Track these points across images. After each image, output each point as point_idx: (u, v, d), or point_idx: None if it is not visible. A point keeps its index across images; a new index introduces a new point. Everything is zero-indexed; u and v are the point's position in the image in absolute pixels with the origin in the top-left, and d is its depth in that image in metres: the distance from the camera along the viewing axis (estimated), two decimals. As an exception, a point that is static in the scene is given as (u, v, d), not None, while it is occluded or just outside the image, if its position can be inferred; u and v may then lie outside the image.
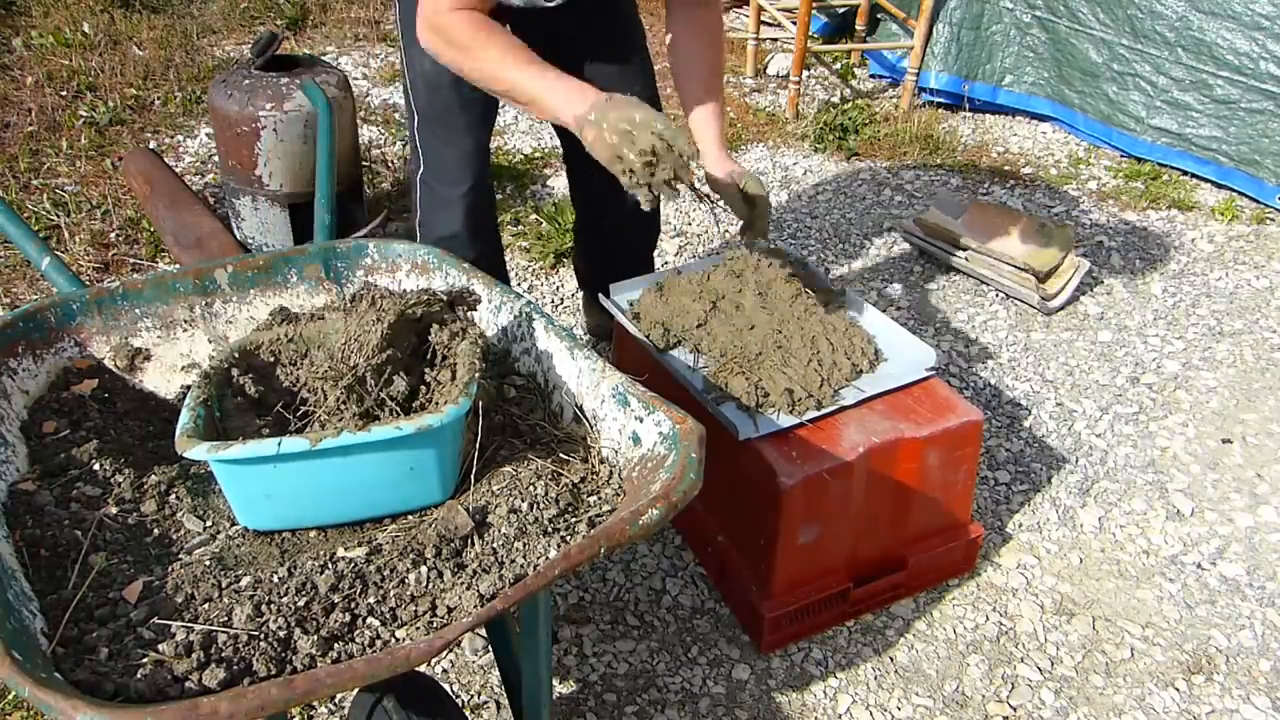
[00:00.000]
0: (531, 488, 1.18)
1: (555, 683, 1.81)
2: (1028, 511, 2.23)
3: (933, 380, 1.90)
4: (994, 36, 3.99)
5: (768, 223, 1.98)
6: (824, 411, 1.79)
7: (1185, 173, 3.61)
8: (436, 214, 2.10)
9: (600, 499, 1.20)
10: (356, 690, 1.30)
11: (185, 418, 1.13)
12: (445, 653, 1.44)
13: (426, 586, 1.06)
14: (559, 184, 3.56)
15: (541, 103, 1.59)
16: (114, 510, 1.17)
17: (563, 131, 2.28)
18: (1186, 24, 3.44)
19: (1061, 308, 2.91)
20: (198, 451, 1.08)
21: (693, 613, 1.97)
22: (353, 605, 1.04)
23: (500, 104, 2.00)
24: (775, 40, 4.76)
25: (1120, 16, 3.60)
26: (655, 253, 2.61)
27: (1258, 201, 3.42)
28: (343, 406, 1.16)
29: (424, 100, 2.02)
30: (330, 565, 1.07)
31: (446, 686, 1.78)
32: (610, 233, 2.42)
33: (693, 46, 1.92)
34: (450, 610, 1.04)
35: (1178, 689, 1.83)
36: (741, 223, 2.02)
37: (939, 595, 2.01)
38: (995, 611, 1.98)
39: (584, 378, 1.30)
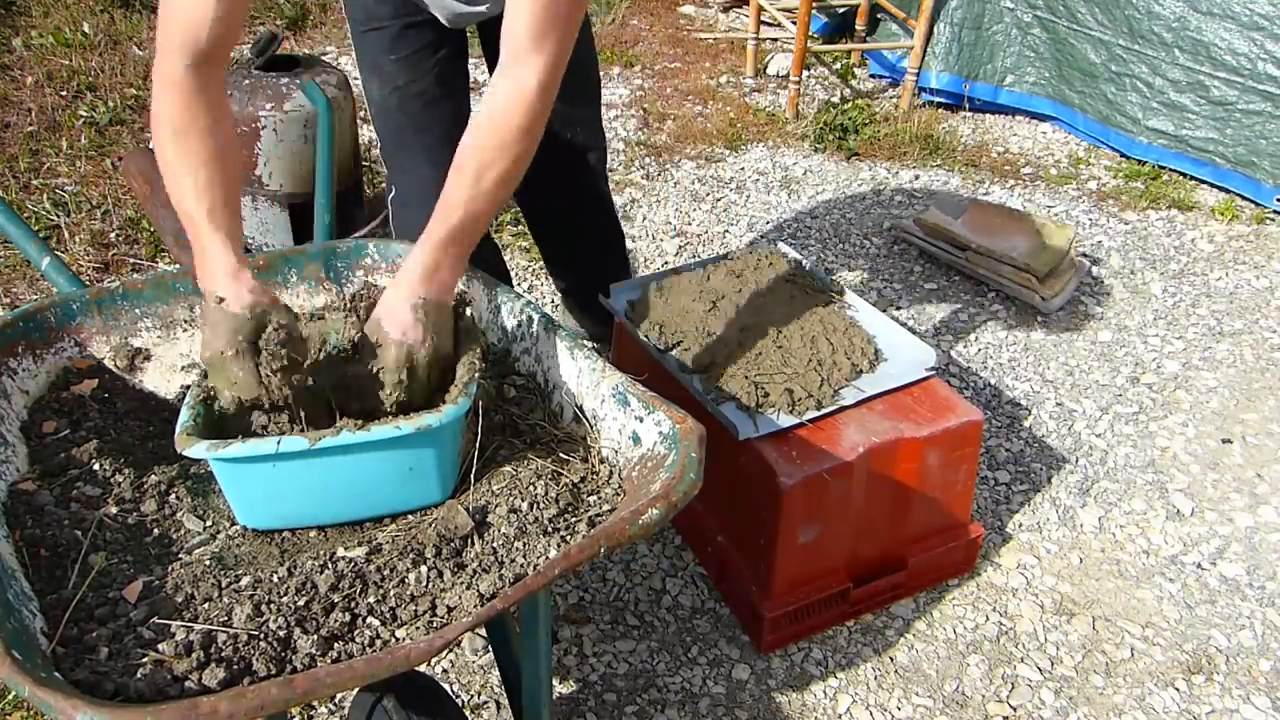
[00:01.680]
0: (531, 487, 1.18)
1: (555, 683, 1.81)
2: (1028, 511, 2.23)
3: (933, 380, 1.90)
4: (995, 36, 3.99)
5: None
6: (824, 411, 1.79)
7: (1183, 174, 3.61)
8: (410, 239, 2.06)
9: (600, 499, 1.20)
10: (356, 690, 1.30)
11: (185, 416, 1.13)
12: (445, 653, 1.44)
13: (426, 586, 1.06)
14: (559, 184, 3.56)
15: (196, 246, 1.26)
16: (114, 510, 1.17)
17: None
18: (1184, 24, 3.43)
19: (1061, 308, 2.91)
20: (197, 450, 1.08)
21: (693, 613, 1.97)
22: (353, 605, 1.04)
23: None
24: (775, 40, 4.76)
25: (1118, 17, 3.60)
26: (627, 251, 2.54)
27: (1256, 203, 3.42)
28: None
29: (379, 125, 1.95)
30: (330, 565, 1.07)
31: (446, 686, 1.78)
32: (563, 235, 2.37)
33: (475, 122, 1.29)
34: (450, 610, 1.04)
35: (1178, 689, 1.83)
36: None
37: (939, 595, 2.01)
38: (995, 611, 1.98)
39: (584, 378, 1.30)
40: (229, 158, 1.27)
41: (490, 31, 1.80)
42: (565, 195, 2.24)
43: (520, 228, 3.25)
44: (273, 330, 1.16)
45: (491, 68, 1.77)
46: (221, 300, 1.19)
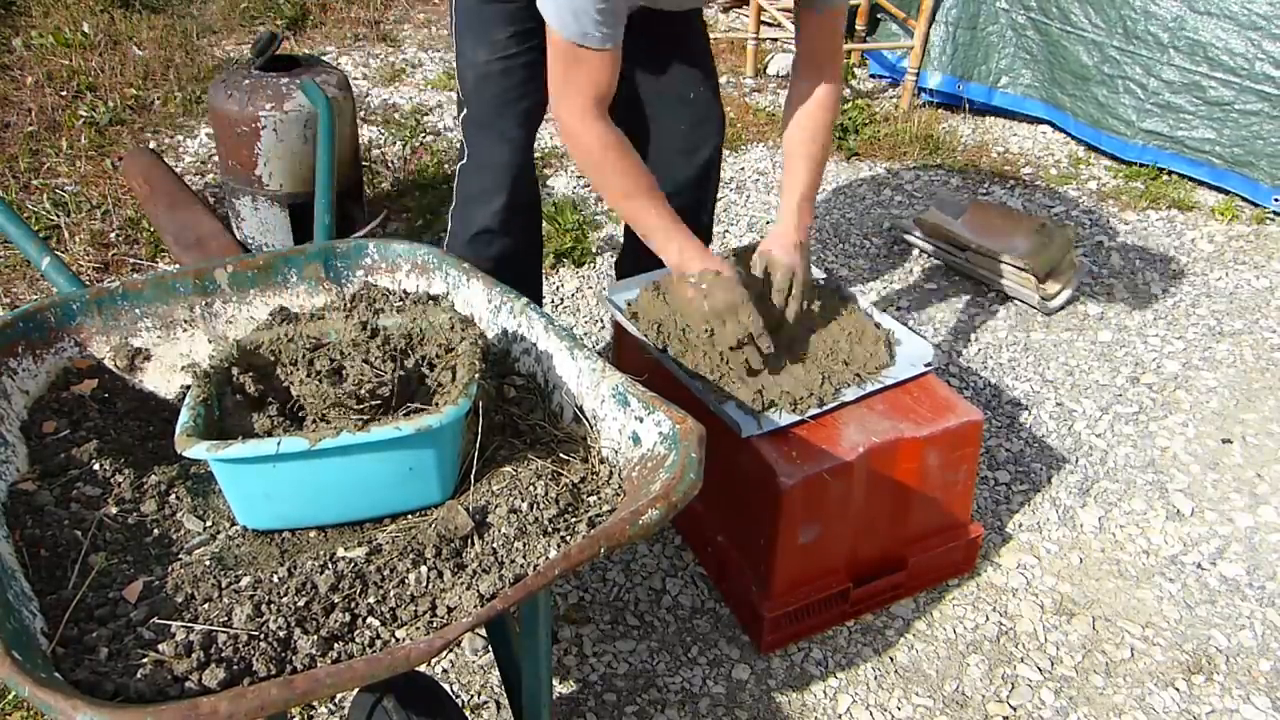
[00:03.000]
0: (531, 488, 1.18)
1: (555, 683, 1.81)
2: (1028, 511, 2.23)
3: (932, 380, 1.90)
4: (990, 38, 3.99)
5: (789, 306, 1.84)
6: (825, 408, 1.79)
7: (1181, 175, 3.61)
8: (476, 205, 2.10)
9: (600, 499, 1.20)
10: (356, 690, 1.30)
11: (185, 416, 1.13)
12: (445, 653, 1.44)
13: (426, 586, 1.06)
14: (559, 184, 3.56)
15: (655, 240, 1.78)
16: (114, 510, 1.17)
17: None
18: (1181, 24, 3.43)
19: (1061, 308, 2.92)
20: (197, 450, 1.08)
21: (693, 613, 1.97)
22: (353, 605, 1.04)
23: (546, 108, 2.00)
24: (775, 40, 4.76)
25: (1113, 18, 3.59)
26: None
27: (1253, 203, 3.42)
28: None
29: (471, 91, 2.03)
30: (330, 565, 1.07)
31: (446, 686, 1.78)
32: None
33: (805, 108, 1.91)
34: (450, 610, 1.04)
35: (1178, 689, 1.83)
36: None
37: (939, 595, 2.01)
38: (995, 611, 1.98)
39: (584, 378, 1.30)
40: (656, 187, 1.78)
41: (655, 27, 1.92)
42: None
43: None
44: (751, 285, 1.76)
45: (638, 56, 2.06)
46: (718, 273, 1.73)
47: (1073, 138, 3.92)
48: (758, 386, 1.79)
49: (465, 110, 2.06)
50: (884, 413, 1.82)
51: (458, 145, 2.22)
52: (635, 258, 2.35)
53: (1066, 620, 1.97)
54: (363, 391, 1.18)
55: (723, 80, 4.49)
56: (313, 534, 1.18)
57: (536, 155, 3.74)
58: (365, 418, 1.17)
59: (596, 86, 1.68)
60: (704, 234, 2.36)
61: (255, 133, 2.74)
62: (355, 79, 4.37)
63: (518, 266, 2.19)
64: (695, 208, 2.28)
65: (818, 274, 2.13)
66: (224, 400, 1.19)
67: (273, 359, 1.26)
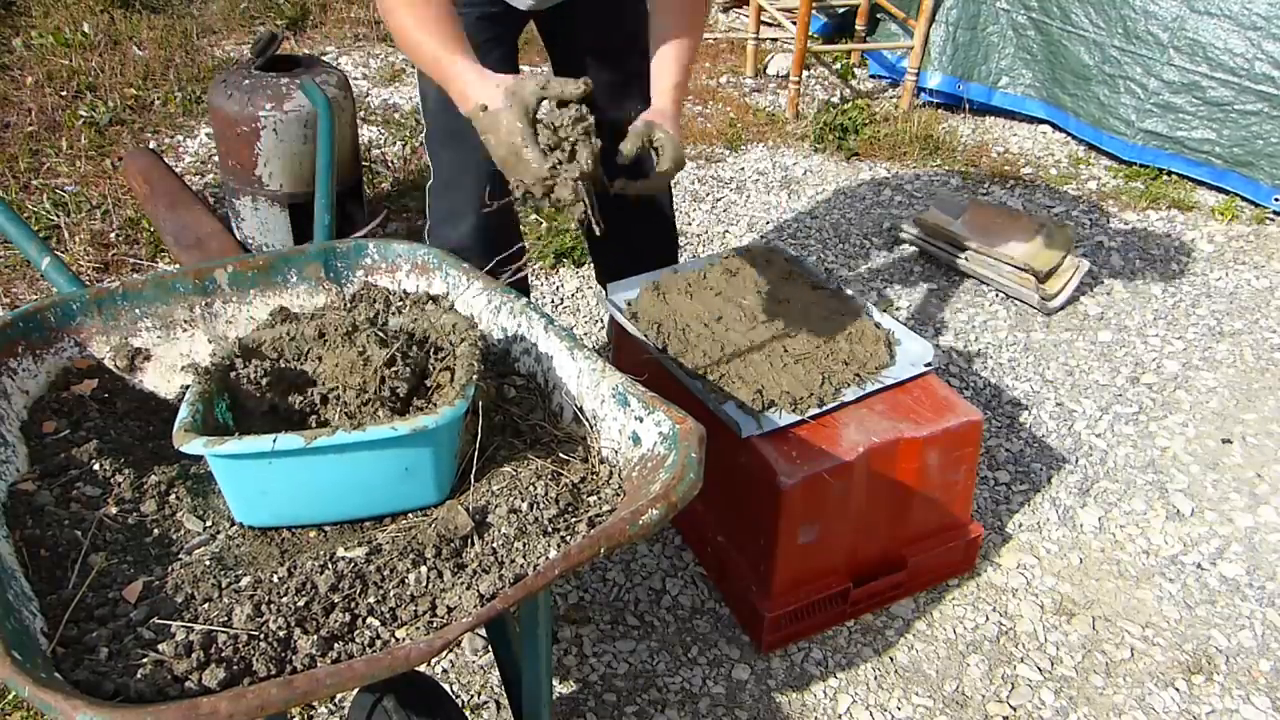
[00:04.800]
0: (531, 488, 1.18)
1: (555, 683, 1.81)
2: (1028, 511, 2.23)
3: (933, 380, 1.90)
4: (990, 38, 3.99)
5: (654, 184, 1.63)
6: (825, 409, 1.79)
7: (1181, 175, 3.61)
8: (447, 226, 2.09)
9: (600, 499, 1.20)
10: (356, 690, 1.30)
11: (184, 412, 1.13)
12: (445, 653, 1.44)
13: (426, 586, 1.06)
14: (559, 184, 3.55)
15: (446, 80, 1.47)
16: (114, 510, 1.17)
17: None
18: (1181, 24, 3.43)
19: (1061, 308, 2.92)
20: (194, 446, 1.08)
21: (693, 613, 1.97)
22: (353, 605, 1.04)
23: None
24: (775, 40, 4.76)
25: (1113, 18, 3.59)
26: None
27: (1254, 203, 3.42)
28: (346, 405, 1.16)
29: (434, 109, 1.98)
30: (330, 565, 1.07)
31: (446, 686, 1.78)
32: (622, 242, 2.37)
33: (668, 13, 1.73)
34: (450, 610, 1.04)
35: (1178, 689, 1.83)
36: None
37: (939, 595, 2.01)
38: (995, 611, 1.98)
39: (584, 378, 1.30)
40: (453, 16, 1.48)
41: (554, 23, 1.82)
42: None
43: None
44: (539, 102, 1.34)
45: (554, 59, 2.01)
46: (485, 108, 1.36)
47: (1073, 137, 3.92)
48: (758, 386, 1.79)
49: (426, 130, 2.00)
50: (884, 413, 1.82)
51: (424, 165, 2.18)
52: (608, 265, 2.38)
53: (1066, 620, 1.97)
54: (388, 373, 1.18)
55: (723, 80, 4.49)
56: (313, 534, 1.18)
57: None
58: (394, 403, 1.19)
59: None
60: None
61: (255, 133, 2.74)
62: (355, 79, 4.37)
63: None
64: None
65: (818, 273, 2.14)
66: (238, 394, 1.20)
67: (276, 356, 1.26)
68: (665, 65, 1.71)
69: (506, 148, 1.35)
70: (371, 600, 1.04)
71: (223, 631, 0.98)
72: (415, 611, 1.04)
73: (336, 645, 1.00)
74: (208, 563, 1.11)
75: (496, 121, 1.36)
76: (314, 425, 1.22)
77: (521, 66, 2.11)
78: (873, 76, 4.53)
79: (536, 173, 1.34)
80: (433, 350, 1.28)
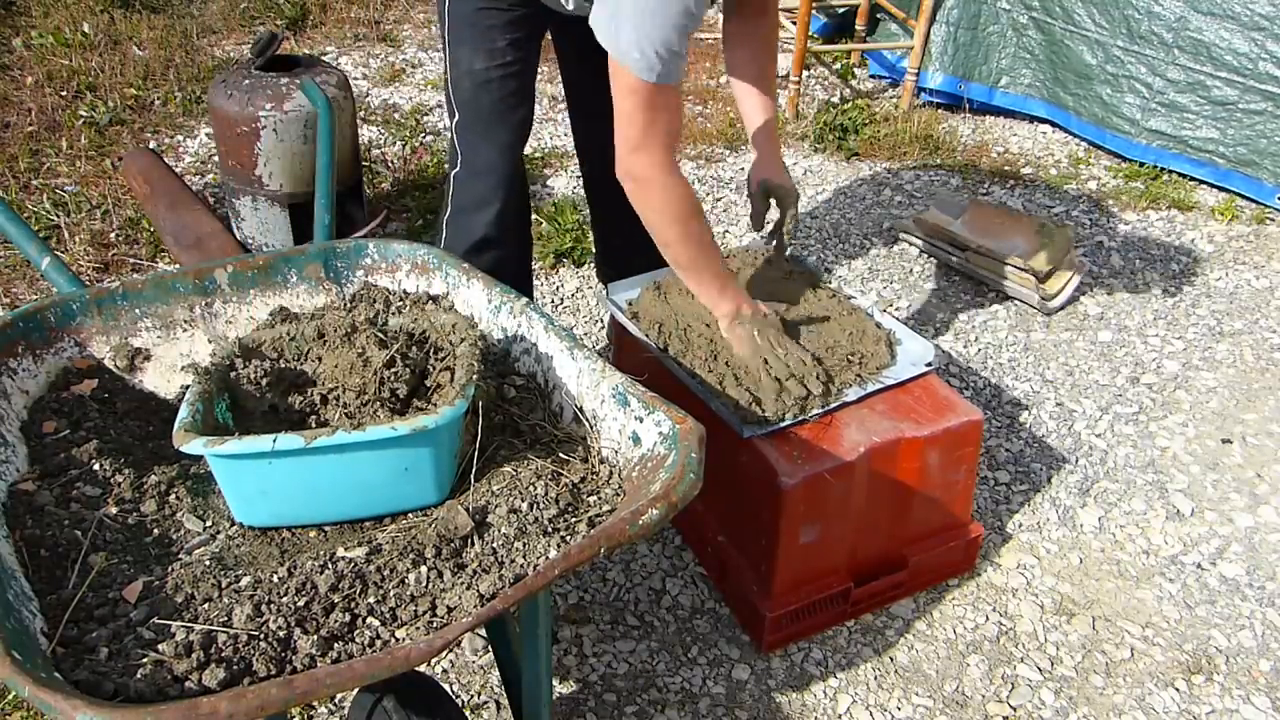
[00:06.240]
0: (531, 488, 1.18)
1: (555, 683, 1.81)
2: (1028, 511, 2.23)
3: (933, 380, 1.90)
4: (990, 37, 3.99)
5: (790, 231, 2.04)
6: (826, 409, 1.79)
7: (1183, 175, 3.61)
8: (469, 214, 2.10)
9: (600, 499, 1.20)
10: (356, 690, 1.30)
11: (184, 411, 1.13)
12: (445, 653, 1.44)
13: (426, 586, 1.06)
14: (558, 184, 3.56)
15: (708, 293, 1.81)
16: (114, 510, 1.17)
17: (575, 117, 2.32)
18: (1185, 24, 3.43)
19: (1061, 308, 2.91)
20: (194, 445, 1.08)
21: (693, 613, 1.97)
22: (353, 605, 1.04)
23: (534, 116, 2.07)
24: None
25: (1116, 18, 3.59)
26: None
27: (1257, 202, 3.42)
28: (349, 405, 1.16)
29: (467, 99, 2.03)
30: (330, 565, 1.07)
31: (446, 686, 1.78)
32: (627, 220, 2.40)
33: (748, 49, 1.95)
34: (450, 610, 1.04)
35: (1178, 689, 1.83)
36: (768, 230, 2.09)
37: (939, 595, 2.01)
38: (995, 611, 1.98)
39: (584, 378, 1.30)
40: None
41: (575, 28, 1.87)
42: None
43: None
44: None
45: (563, 65, 2.23)
46: (765, 315, 1.82)
47: (1076, 137, 3.92)
48: (756, 380, 1.79)
49: (458, 117, 2.05)
50: (884, 413, 1.82)
51: (448, 151, 2.22)
52: (611, 264, 2.41)
53: (1066, 620, 1.97)
54: (388, 374, 1.19)
55: (723, 80, 4.49)
56: (313, 534, 1.18)
57: (537, 155, 3.75)
58: (394, 404, 1.18)
59: (674, 132, 1.63)
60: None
61: (255, 133, 2.74)
62: (355, 79, 4.37)
63: (512, 270, 2.19)
64: None
65: (818, 273, 2.14)
66: (238, 394, 1.20)
67: (276, 356, 1.26)
68: (754, 104, 1.96)
69: (766, 344, 1.80)
70: (371, 600, 1.04)
71: (223, 631, 0.98)
72: (415, 611, 1.04)
73: (336, 645, 1.00)
74: (208, 563, 1.11)
75: (770, 325, 1.82)
76: (314, 425, 1.22)
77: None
78: (873, 76, 4.52)
79: (799, 361, 1.80)
80: (433, 350, 1.28)
